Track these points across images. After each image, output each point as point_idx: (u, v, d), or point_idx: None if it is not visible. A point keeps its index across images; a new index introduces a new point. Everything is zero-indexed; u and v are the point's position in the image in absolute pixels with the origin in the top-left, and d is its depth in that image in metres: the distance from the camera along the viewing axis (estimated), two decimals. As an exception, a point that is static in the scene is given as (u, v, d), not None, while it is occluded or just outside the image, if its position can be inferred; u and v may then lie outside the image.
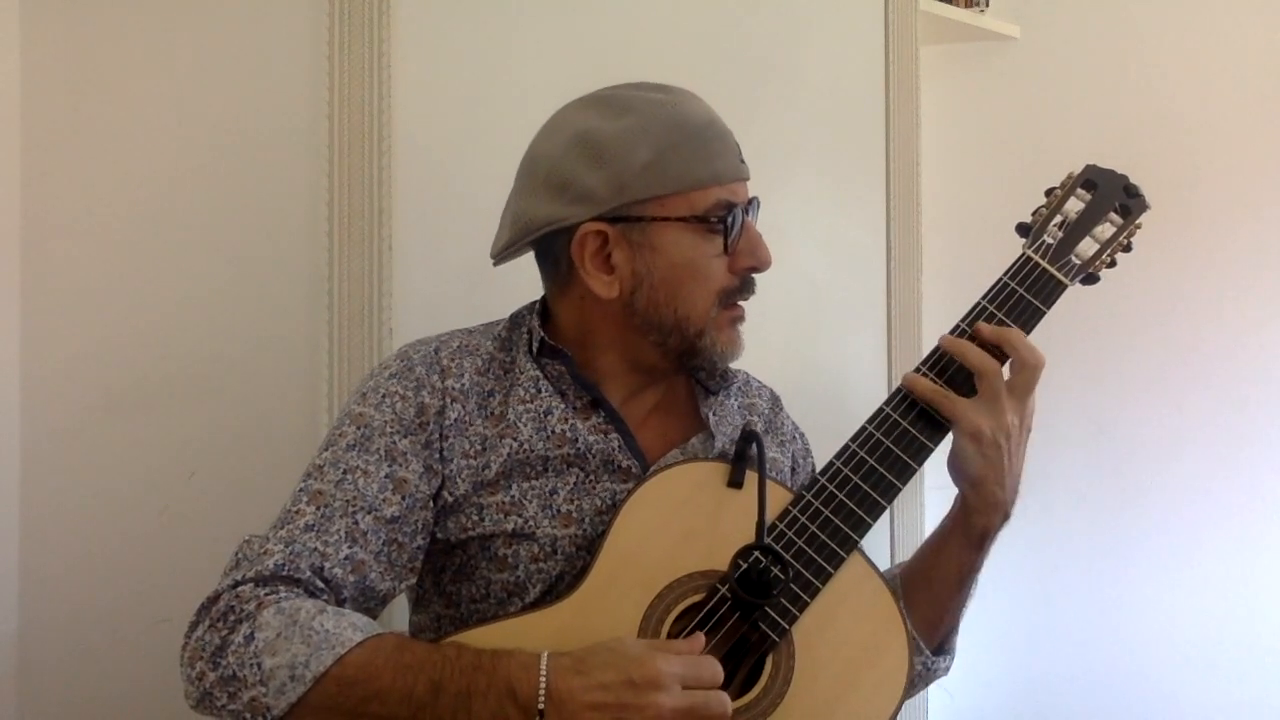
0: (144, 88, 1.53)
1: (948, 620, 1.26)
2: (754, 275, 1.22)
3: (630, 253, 1.17)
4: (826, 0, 2.01)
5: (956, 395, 1.18)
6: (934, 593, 1.24)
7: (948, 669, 1.29)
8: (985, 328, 1.21)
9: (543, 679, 0.97)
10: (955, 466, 1.20)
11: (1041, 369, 1.19)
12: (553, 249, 1.21)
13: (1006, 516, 1.21)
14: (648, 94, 1.20)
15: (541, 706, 0.97)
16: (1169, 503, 2.25)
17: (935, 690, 2.16)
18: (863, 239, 2.06)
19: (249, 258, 1.53)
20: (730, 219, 1.18)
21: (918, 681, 1.25)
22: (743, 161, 1.22)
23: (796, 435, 1.39)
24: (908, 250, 2.09)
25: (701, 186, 1.17)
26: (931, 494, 2.08)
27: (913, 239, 2.10)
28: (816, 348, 1.99)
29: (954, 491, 1.25)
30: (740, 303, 1.23)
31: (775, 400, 1.39)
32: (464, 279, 1.54)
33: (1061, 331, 2.19)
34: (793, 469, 1.35)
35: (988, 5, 2.33)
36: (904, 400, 1.20)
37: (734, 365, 1.27)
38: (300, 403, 1.51)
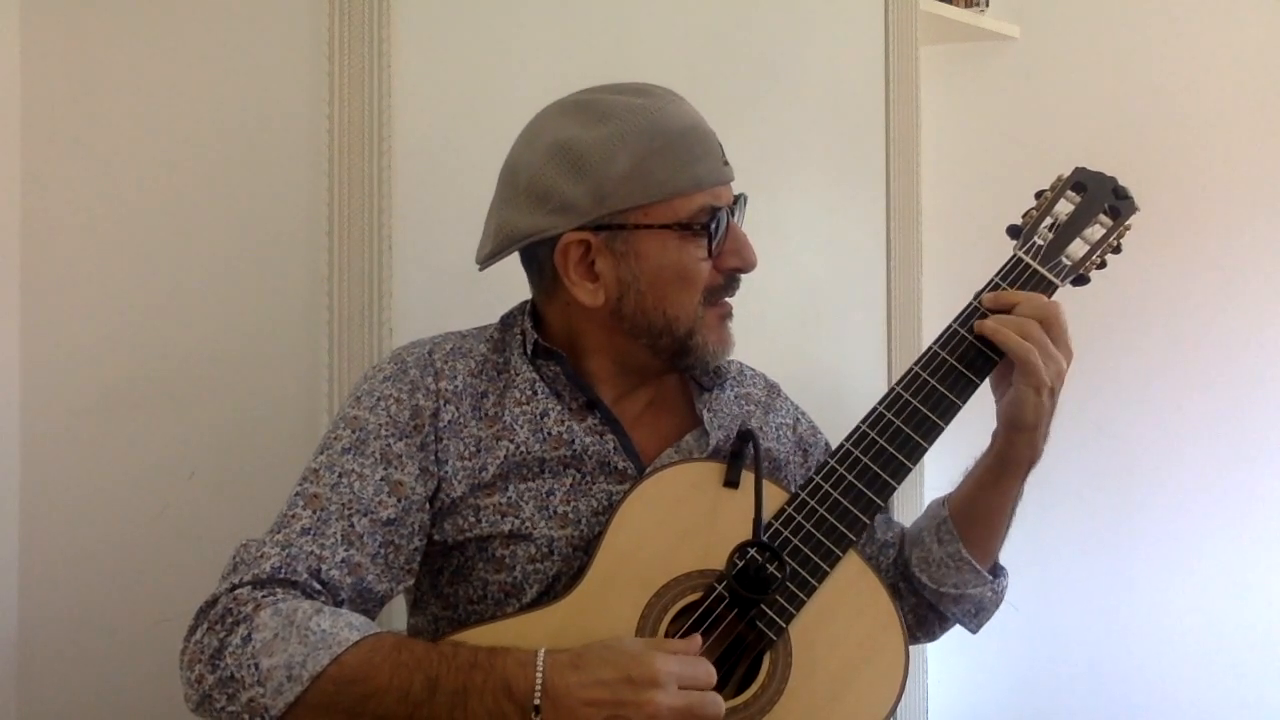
0: (144, 88, 1.53)
1: (999, 544, 1.31)
2: (740, 275, 1.22)
3: (614, 260, 1.17)
4: (826, 0, 2.02)
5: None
6: (990, 526, 1.28)
7: (1007, 585, 1.33)
8: (988, 297, 1.23)
9: (539, 675, 0.98)
10: (1012, 415, 1.21)
11: (1058, 310, 1.20)
12: (536, 256, 1.21)
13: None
14: (627, 98, 1.18)
15: (537, 702, 0.97)
16: (1169, 502, 2.25)
17: (934, 686, 2.16)
18: (863, 239, 2.06)
19: (249, 258, 1.53)
20: (714, 224, 1.17)
21: (990, 607, 1.32)
22: (726, 163, 1.21)
23: (799, 417, 1.38)
24: (908, 250, 2.09)
25: (683, 193, 1.16)
26: (931, 494, 2.07)
27: (913, 239, 2.10)
28: (816, 347, 1.98)
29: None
30: (727, 299, 1.23)
31: (771, 387, 1.39)
32: (464, 279, 1.53)
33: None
34: (804, 451, 1.35)
35: (988, 5, 2.33)
36: (897, 401, 1.20)
37: (729, 357, 1.27)
38: (300, 403, 1.51)
